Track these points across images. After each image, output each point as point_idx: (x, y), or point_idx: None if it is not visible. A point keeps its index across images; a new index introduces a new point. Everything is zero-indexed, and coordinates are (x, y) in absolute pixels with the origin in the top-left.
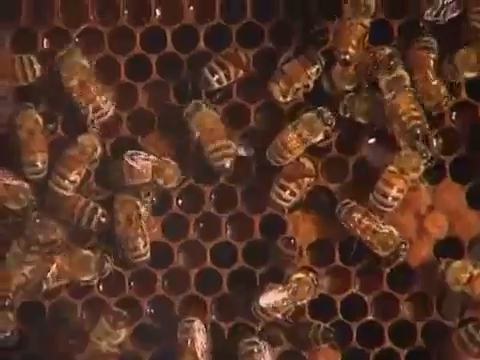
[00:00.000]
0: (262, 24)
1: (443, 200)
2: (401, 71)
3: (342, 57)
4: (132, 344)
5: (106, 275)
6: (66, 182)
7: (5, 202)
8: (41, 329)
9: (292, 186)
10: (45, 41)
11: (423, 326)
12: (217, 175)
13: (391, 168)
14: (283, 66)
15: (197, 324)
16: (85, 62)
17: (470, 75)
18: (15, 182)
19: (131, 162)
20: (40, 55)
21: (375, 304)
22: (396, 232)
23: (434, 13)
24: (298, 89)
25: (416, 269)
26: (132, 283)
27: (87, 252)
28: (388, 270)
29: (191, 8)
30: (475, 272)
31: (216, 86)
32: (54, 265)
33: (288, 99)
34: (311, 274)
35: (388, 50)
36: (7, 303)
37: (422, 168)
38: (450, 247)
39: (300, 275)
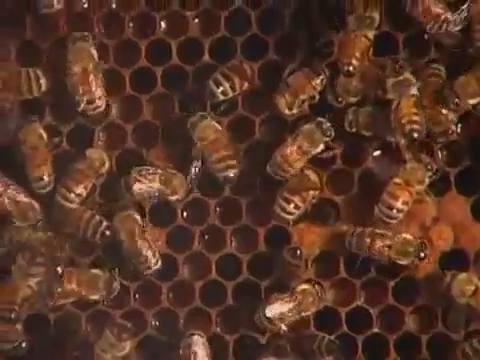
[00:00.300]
0: (267, 36)
1: (448, 212)
2: (407, 75)
3: (345, 68)
4: (137, 356)
5: (114, 294)
6: (72, 195)
7: (13, 218)
8: (46, 341)
9: (296, 199)
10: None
11: (428, 339)
12: (222, 187)
13: (396, 180)
14: (287, 78)
15: (198, 338)
16: (94, 51)
17: (473, 102)
18: (26, 199)
19: (140, 177)
20: (45, 67)
21: (380, 317)
22: (409, 236)
23: (436, 26)
24: (304, 101)
25: (421, 281)
26: (137, 295)
27: (96, 271)
28: (393, 283)
29: (196, 21)
30: None
31: (221, 98)
32: (62, 284)
33: (294, 111)
34: (317, 286)
35: (394, 57)
36: (13, 316)
37: (427, 180)
38: (455, 259)
39: (305, 286)
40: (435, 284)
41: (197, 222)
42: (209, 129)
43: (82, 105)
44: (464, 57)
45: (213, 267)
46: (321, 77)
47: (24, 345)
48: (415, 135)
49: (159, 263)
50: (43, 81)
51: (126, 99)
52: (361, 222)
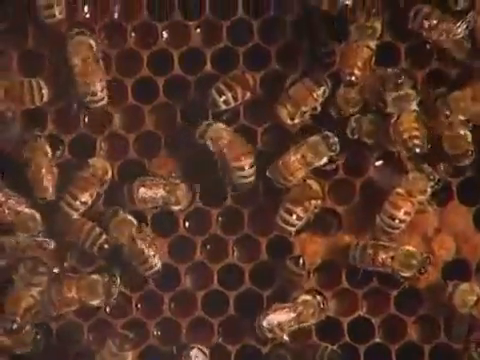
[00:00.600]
0: (268, 46)
1: (450, 222)
2: (408, 90)
3: (347, 78)
4: None
5: (113, 298)
6: (77, 203)
7: (14, 228)
8: (48, 350)
9: (298, 210)
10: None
11: (430, 349)
12: (224, 197)
13: (398, 190)
14: (289, 90)
15: (196, 352)
16: (93, 43)
17: (463, 118)
18: (27, 210)
19: (142, 188)
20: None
21: (382, 326)
22: (412, 248)
23: (436, 35)
24: (305, 112)
25: (423, 291)
26: (139, 305)
27: (95, 276)
28: (395, 293)
29: (198, 30)
30: None
31: (223, 107)
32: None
33: (296, 121)
34: (318, 297)
35: (396, 70)
36: (15, 326)
37: (429, 190)
38: (457, 269)
39: (307, 297)
40: (437, 294)
41: (199, 232)
42: (222, 131)
43: (88, 97)
44: (469, 70)
45: (215, 277)
46: (323, 88)
47: (39, 337)
48: (417, 150)
49: (159, 264)
50: (45, 91)
51: (128, 109)
52: (363, 232)
